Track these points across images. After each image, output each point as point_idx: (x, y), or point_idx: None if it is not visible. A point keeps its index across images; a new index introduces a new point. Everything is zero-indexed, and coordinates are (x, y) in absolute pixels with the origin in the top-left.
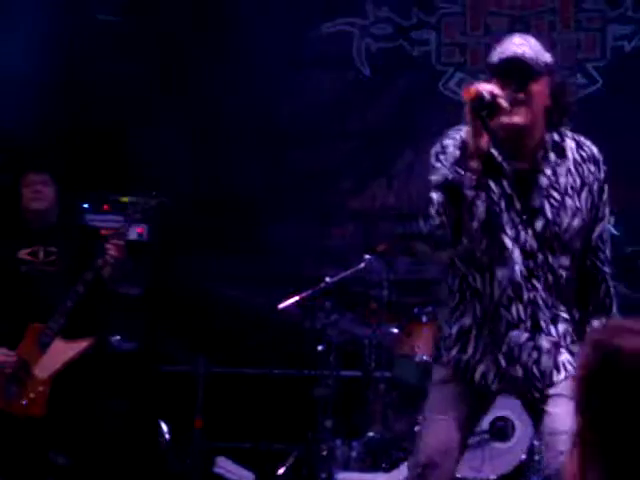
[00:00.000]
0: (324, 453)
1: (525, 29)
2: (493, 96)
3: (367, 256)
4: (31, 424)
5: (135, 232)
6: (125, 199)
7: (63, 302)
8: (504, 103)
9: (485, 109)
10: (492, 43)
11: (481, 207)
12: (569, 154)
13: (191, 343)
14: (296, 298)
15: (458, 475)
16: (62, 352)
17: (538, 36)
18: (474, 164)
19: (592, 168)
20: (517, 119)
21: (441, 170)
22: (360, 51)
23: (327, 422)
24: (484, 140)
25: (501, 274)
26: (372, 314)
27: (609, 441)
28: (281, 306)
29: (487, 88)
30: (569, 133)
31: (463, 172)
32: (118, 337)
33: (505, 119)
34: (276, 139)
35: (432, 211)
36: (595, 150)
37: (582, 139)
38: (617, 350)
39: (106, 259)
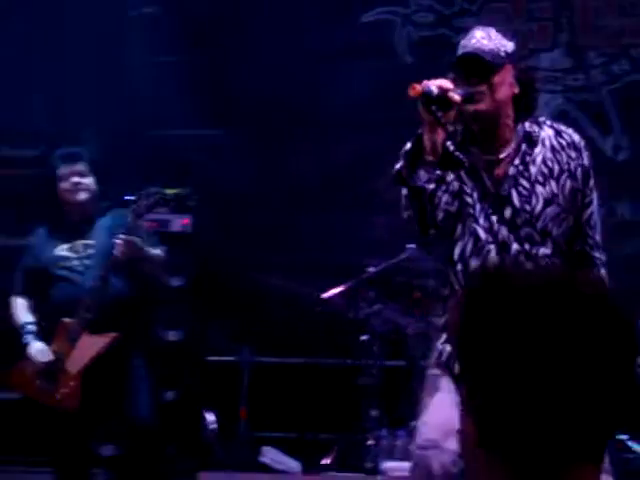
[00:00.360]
0: (369, 443)
1: (569, 15)
2: (443, 90)
3: (410, 245)
4: (73, 417)
5: (180, 223)
6: (170, 191)
7: (85, 298)
8: (455, 96)
9: (435, 104)
10: (534, 30)
11: (443, 198)
12: (546, 142)
13: (236, 333)
14: (340, 288)
15: None
16: (89, 347)
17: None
18: (430, 158)
19: (573, 155)
20: (480, 106)
21: (398, 164)
22: (402, 39)
23: (372, 412)
24: (439, 135)
25: (475, 264)
26: (416, 303)
27: (483, 402)
28: (325, 296)
29: (436, 83)
30: (548, 122)
31: (406, 165)
32: (163, 328)
33: (470, 107)
34: (319, 129)
35: (401, 204)
36: (576, 137)
37: (562, 127)
38: (476, 297)
39: (116, 256)
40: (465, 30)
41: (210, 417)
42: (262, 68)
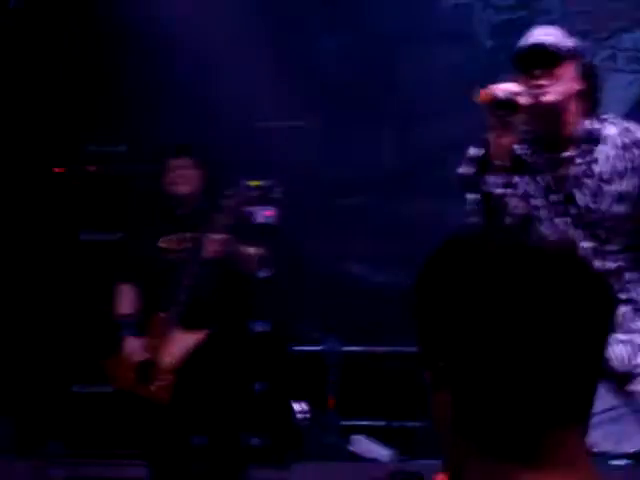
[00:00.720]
0: None
1: None
2: (510, 94)
3: None
4: (167, 410)
5: (264, 215)
6: (254, 183)
7: (177, 294)
8: (522, 99)
9: (503, 108)
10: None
11: (512, 203)
12: (609, 140)
13: (323, 323)
14: None
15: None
16: (182, 342)
17: None
18: (498, 163)
19: (637, 152)
20: (546, 97)
21: (461, 168)
22: (482, 23)
23: None
24: (507, 139)
25: None
26: None
27: (454, 373)
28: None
29: (502, 87)
30: (613, 119)
31: (476, 171)
32: (251, 319)
33: (535, 101)
34: (398, 115)
35: (467, 209)
36: None
37: (626, 124)
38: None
39: (205, 255)
40: (546, 12)
41: (301, 407)
42: (342, 55)
